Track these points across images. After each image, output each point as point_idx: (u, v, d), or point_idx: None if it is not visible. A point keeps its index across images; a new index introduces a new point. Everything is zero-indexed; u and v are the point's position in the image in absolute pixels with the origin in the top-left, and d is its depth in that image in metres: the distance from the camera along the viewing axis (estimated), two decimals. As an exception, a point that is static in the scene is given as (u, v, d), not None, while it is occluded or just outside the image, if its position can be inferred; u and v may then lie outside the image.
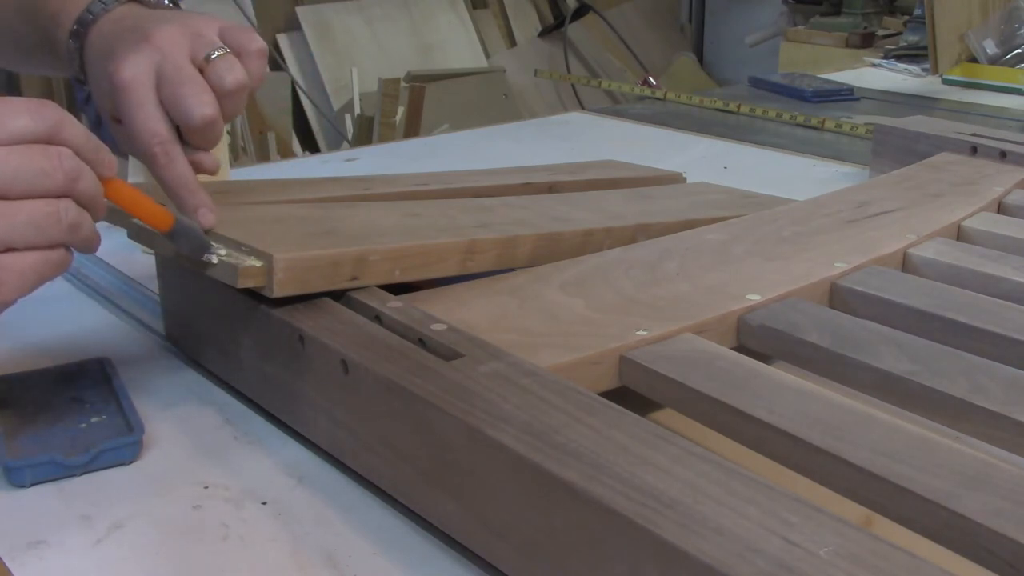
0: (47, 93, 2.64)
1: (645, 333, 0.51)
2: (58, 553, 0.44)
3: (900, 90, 1.58)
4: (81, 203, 0.47)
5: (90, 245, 0.49)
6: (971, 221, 0.73)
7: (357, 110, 2.78)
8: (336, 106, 2.97)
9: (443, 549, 0.45)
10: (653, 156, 1.03)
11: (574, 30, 3.45)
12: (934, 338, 0.54)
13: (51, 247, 0.46)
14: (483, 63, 3.29)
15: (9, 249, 0.44)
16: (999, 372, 0.50)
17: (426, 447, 0.44)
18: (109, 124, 0.59)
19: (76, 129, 0.47)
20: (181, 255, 0.53)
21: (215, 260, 0.52)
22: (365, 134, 2.67)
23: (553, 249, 0.63)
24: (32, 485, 0.49)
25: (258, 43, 0.58)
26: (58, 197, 0.45)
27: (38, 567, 0.43)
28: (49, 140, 0.45)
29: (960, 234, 0.73)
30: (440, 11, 3.27)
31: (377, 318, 0.51)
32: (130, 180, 0.86)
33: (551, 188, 0.81)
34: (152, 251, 0.65)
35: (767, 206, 0.77)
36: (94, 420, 0.55)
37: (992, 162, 0.87)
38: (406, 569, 0.44)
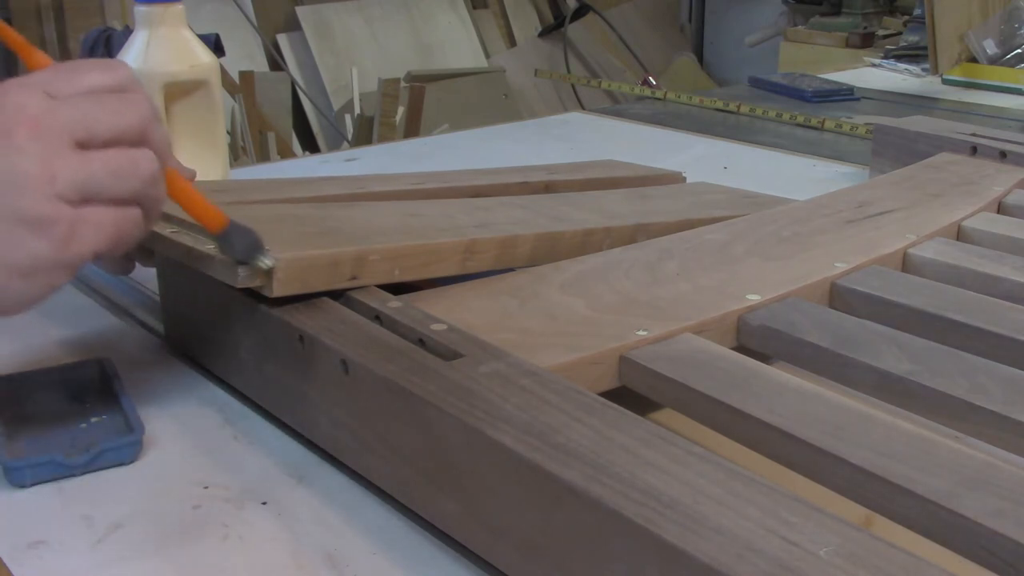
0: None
1: (645, 333, 0.51)
2: (58, 553, 0.44)
3: (900, 90, 1.58)
4: (157, 153, 0.44)
5: (158, 207, 0.46)
6: (971, 221, 0.73)
7: (357, 110, 2.78)
8: (336, 106, 2.97)
9: (443, 549, 0.45)
10: (653, 156, 1.03)
11: (574, 30, 3.45)
12: (934, 338, 0.54)
13: (128, 201, 0.44)
14: (483, 63, 3.29)
15: (87, 201, 0.42)
16: (999, 372, 0.50)
17: (426, 447, 0.44)
18: None
19: (144, 91, 0.45)
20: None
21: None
22: (365, 134, 2.67)
23: (553, 249, 0.63)
24: (32, 485, 0.49)
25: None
26: (133, 147, 0.43)
27: (38, 567, 0.43)
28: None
29: (960, 234, 0.73)
30: (440, 11, 3.28)
31: (377, 318, 0.51)
32: None
33: (547, 187, 0.81)
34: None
35: (767, 206, 0.77)
36: (94, 420, 0.55)
37: (992, 162, 0.87)
38: (406, 569, 0.44)
